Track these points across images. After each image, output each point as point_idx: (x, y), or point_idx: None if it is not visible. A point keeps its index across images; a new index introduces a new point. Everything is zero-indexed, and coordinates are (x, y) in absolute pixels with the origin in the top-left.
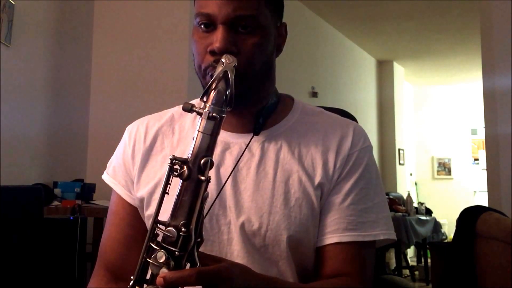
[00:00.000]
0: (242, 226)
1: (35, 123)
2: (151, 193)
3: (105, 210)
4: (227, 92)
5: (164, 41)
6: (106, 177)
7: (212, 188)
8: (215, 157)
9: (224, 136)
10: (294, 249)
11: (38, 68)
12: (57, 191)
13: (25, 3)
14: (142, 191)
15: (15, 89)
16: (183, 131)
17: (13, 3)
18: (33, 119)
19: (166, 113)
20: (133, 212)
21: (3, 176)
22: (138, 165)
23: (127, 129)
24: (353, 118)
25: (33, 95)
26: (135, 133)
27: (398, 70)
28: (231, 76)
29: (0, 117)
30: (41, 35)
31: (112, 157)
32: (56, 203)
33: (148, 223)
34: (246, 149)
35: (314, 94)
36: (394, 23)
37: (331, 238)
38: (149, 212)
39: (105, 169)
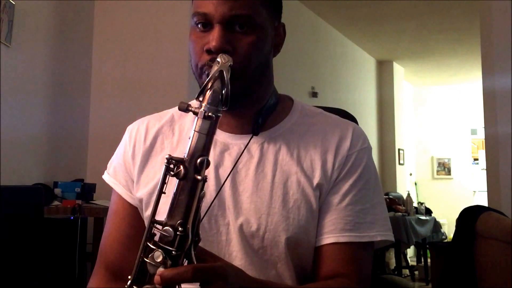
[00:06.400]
0: (241, 227)
1: (35, 123)
2: (151, 194)
3: (105, 210)
4: (223, 92)
5: (164, 41)
6: (106, 177)
7: (211, 189)
8: (215, 158)
9: (223, 137)
10: (293, 251)
11: (38, 68)
12: (57, 191)
13: (25, 3)
14: (141, 192)
15: (15, 89)
16: (183, 132)
17: (13, 3)
18: (33, 119)
19: (166, 114)
20: (134, 212)
21: (3, 176)
22: (138, 165)
23: (127, 129)
24: (353, 118)
25: (33, 95)
26: (136, 133)
27: (398, 70)
28: (226, 75)
29: (0, 117)
30: (41, 35)
31: (113, 157)
32: (56, 203)
33: None
34: (245, 150)
35: (314, 94)
36: (394, 23)
37: (328, 238)
38: (149, 212)
39: (105, 169)
